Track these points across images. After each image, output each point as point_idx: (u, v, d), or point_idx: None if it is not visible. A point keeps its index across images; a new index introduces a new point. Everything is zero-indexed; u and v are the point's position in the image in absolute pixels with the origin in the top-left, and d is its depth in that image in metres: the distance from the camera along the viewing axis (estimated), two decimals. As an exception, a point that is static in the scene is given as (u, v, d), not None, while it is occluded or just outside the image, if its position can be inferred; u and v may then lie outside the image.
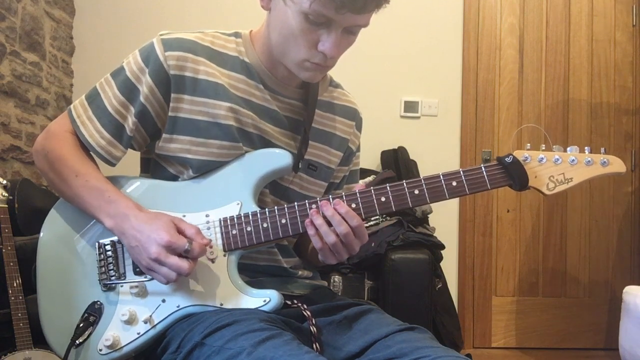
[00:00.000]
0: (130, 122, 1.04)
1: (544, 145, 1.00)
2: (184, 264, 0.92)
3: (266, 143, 1.08)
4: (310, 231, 0.96)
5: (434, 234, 2.49)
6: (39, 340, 1.59)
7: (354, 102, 1.24)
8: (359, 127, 1.24)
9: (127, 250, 1.01)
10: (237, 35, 1.11)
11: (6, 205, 1.76)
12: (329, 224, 0.95)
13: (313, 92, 1.13)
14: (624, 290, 1.98)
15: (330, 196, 0.98)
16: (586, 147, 1.00)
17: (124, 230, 0.96)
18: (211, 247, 0.99)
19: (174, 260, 0.92)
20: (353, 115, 1.22)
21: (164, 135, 1.05)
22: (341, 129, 1.19)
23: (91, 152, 1.06)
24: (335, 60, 1.01)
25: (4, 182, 1.80)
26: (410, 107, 3.04)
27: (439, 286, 2.48)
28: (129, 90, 1.04)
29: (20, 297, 1.65)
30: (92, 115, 1.05)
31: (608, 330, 3.03)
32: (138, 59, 1.04)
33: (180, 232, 0.95)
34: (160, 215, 0.97)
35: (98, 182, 1.01)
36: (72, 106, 1.08)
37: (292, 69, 1.02)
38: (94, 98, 1.06)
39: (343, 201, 0.96)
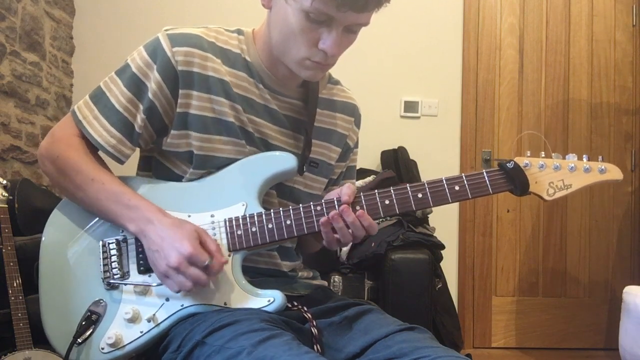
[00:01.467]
0: (139, 119, 1.03)
1: (543, 153, 1.03)
2: (203, 276, 0.92)
3: (265, 142, 1.08)
4: (325, 228, 0.98)
5: (434, 234, 2.48)
6: (39, 340, 1.59)
7: (353, 98, 1.24)
8: (357, 123, 1.24)
9: (131, 250, 1.01)
10: (239, 32, 1.11)
11: (6, 205, 1.76)
12: (347, 227, 0.97)
13: (313, 91, 1.13)
14: (624, 290, 1.98)
15: (334, 198, 0.99)
16: (584, 155, 1.03)
17: (146, 233, 0.96)
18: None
19: (195, 271, 0.92)
20: (352, 111, 1.22)
21: (171, 132, 1.04)
22: (341, 125, 1.19)
23: (101, 152, 1.05)
24: (335, 58, 1.01)
25: (4, 182, 1.79)
26: (410, 107, 3.04)
27: (439, 286, 2.47)
28: (136, 86, 1.03)
29: (20, 297, 1.65)
30: (99, 114, 1.03)
31: (608, 330, 3.03)
32: (144, 55, 1.03)
33: (202, 244, 0.95)
34: (185, 224, 0.97)
35: (115, 186, 1.00)
36: (75, 108, 1.06)
37: (293, 68, 1.02)
38: (99, 97, 1.04)
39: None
